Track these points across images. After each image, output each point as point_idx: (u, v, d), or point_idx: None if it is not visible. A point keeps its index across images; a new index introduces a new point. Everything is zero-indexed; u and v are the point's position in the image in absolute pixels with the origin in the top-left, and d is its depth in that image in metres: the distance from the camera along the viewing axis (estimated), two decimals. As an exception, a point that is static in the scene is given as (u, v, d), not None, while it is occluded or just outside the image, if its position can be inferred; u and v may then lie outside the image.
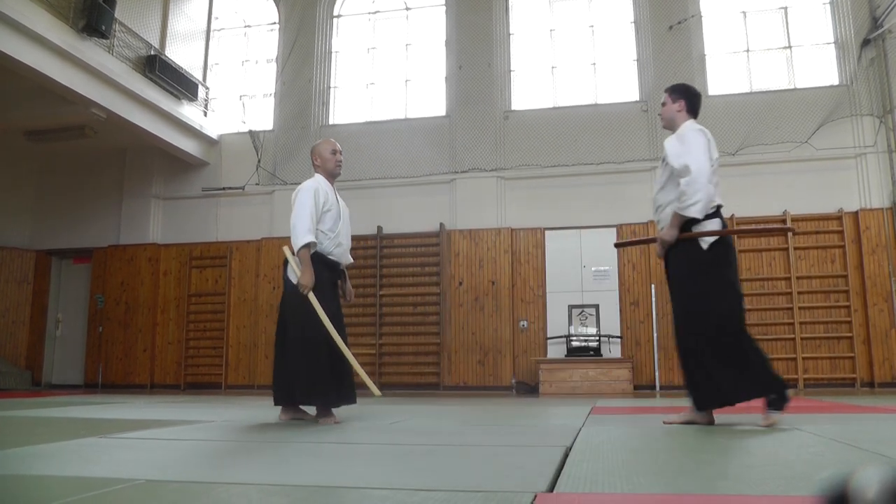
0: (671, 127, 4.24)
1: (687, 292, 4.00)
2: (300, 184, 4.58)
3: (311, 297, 4.26)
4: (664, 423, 4.12)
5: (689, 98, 4.24)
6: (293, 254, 4.39)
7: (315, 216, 4.39)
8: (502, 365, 10.55)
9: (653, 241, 4.38)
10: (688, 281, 4.00)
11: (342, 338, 4.32)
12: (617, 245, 5.69)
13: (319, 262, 4.39)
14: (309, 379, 4.26)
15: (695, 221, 3.94)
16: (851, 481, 0.90)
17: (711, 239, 3.93)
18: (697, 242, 3.94)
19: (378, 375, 10.82)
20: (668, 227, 4.05)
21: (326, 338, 4.25)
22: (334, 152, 4.68)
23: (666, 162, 4.06)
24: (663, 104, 4.30)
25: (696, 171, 3.86)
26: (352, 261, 4.84)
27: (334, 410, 4.46)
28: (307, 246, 4.31)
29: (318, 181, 4.57)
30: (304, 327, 4.29)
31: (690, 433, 3.53)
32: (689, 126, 4.12)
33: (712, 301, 3.89)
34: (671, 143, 4.08)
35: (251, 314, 11.60)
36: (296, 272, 4.33)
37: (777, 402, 3.75)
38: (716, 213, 3.98)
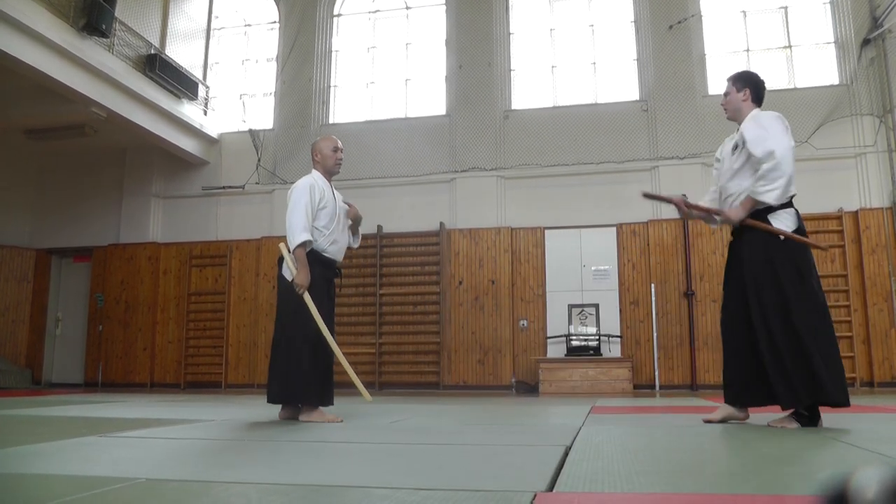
0: (736, 118, 4.10)
1: (768, 286, 3.77)
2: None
3: (307, 296, 4.23)
4: (704, 420, 4.03)
5: (755, 86, 4.11)
6: (289, 252, 4.35)
7: (311, 214, 4.34)
8: (502, 364, 10.55)
9: (679, 203, 4.24)
10: (768, 273, 3.79)
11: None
12: (646, 195, 5.18)
13: (313, 260, 4.34)
14: (303, 378, 4.24)
15: (769, 210, 3.81)
16: (851, 481, 0.90)
17: (789, 229, 3.79)
18: (775, 235, 3.79)
19: (378, 374, 10.84)
20: (738, 208, 3.93)
21: (317, 337, 4.24)
22: (335, 150, 4.60)
23: (741, 149, 3.92)
24: (726, 94, 4.15)
25: (781, 156, 3.73)
26: (355, 245, 4.82)
27: (333, 409, 4.45)
28: (303, 245, 4.27)
29: (315, 178, 4.51)
30: (296, 326, 4.27)
31: (690, 433, 3.54)
32: (761, 112, 4.01)
33: (790, 293, 3.70)
34: (750, 129, 3.93)
35: (251, 313, 11.60)
36: (291, 271, 4.29)
37: (809, 419, 3.65)
38: (789, 203, 3.87)
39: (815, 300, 3.74)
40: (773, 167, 3.74)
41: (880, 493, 0.86)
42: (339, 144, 4.66)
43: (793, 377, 3.61)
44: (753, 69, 11.00)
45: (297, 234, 4.26)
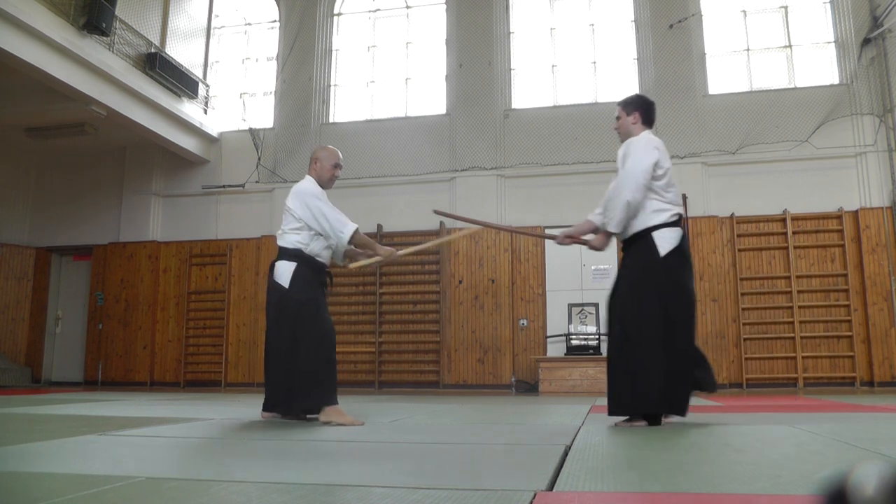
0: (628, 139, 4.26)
1: (640, 297, 3.99)
2: (299, 183, 4.51)
3: (403, 252, 4.50)
4: (616, 425, 4.16)
5: (645, 109, 4.25)
6: (347, 260, 4.55)
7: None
8: (502, 363, 10.55)
9: (559, 239, 4.56)
10: (642, 286, 3.99)
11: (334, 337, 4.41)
12: (437, 212, 5.25)
13: (306, 264, 4.34)
14: (333, 379, 4.26)
15: (654, 228, 3.98)
16: (850, 477, 0.90)
17: (669, 247, 3.95)
18: (655, 249, 3.96)
19: (377, 374, 10.85)
20: (600, 237, 4.33)
21: (332, 335, 4.31)
22: (335, 166, 4.58)
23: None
24: (617, 118, 4.30)
25: (620, 184, 4.03)
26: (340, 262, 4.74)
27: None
28: (356, 231, 4.35)
29: (318, 187, 4.49)
30: (315, 329, 4.22)
31: (689, 432, 3.54)
32: (640, 137, 4.15)
33: (662, 308, 3.90)
34: (620, 154, 4.18)
35: (251, 312, 11.60)
36: (371, 261, 4.51)
37: (654, 417, 3.92)
38: (676, 222, 4.04)
39: (687, 317, 3.97)
40: (611, 196, 4.09)
41: (879, 488, 0.86)
42: (341, 162, 4.65)
43: (625, 387, 3.96)
44: (754, 68, 11.08)
45: (346, 225, 4.32)
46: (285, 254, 4.35)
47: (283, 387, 4.26)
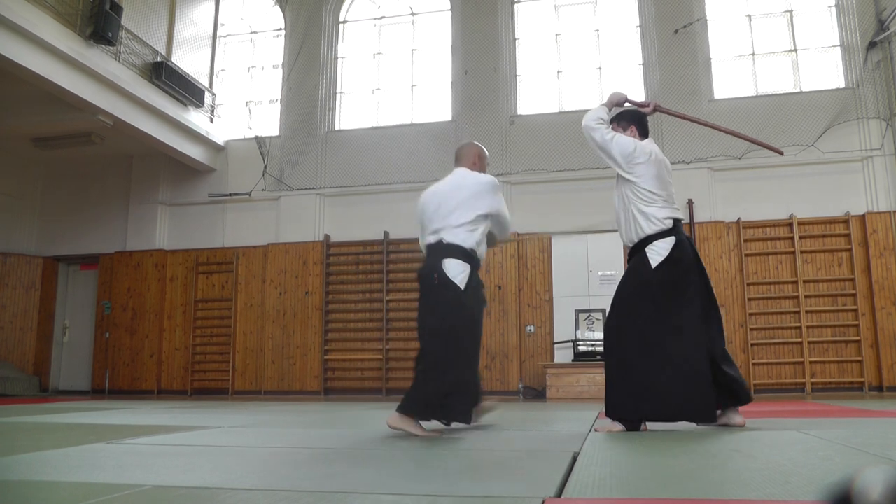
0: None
1: (625, 307, 3.97)
2: (482, 176, 4.34)
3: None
4: (595, 430, 4.12)
5: (638, 122, 4.46)
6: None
7: None
8: (509, 369, 10.53)
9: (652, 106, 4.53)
10: (630, 296, 3.98)
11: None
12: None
13: (476, 269, 4.03)
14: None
15: (648, 240, 3.96)
16: (855, 482, 0.89)
17: (660, 258, 3.91)
18: (647, 260, 3.93)
19: (385, 380, 10.83)
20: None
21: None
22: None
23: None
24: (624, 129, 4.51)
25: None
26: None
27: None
28: None
29: None
30: (475, 338, 4.04)
31: (697, 438, 3.52)
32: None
33: (641, 320, 3.86)
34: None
35: (258, 319, 11.61)
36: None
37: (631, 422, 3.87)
38: (671, 230, 4.00)
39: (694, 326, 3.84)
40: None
41: (884, 493, 0.86)
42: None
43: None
44: (759, 73, 11.06)
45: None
46: (460, 252, 3.93)
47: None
